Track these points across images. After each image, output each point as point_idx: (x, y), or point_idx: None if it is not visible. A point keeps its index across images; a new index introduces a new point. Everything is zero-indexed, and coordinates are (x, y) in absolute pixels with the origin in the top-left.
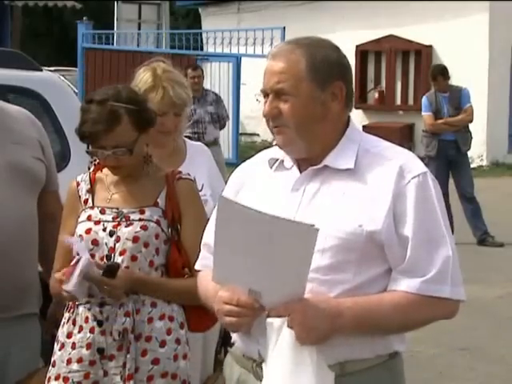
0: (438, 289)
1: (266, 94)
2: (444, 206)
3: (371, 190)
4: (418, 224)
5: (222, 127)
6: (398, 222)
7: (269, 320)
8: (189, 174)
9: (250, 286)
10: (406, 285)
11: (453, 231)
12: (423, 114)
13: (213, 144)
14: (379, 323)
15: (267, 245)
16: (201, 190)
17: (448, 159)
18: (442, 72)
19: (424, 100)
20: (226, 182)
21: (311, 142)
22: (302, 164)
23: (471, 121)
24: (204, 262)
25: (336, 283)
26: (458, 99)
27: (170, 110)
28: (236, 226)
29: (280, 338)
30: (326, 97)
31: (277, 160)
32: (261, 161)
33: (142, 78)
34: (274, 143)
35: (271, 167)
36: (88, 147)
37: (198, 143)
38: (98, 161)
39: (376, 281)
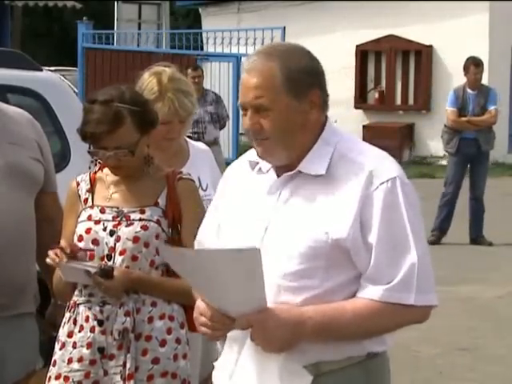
0: (402, 296)
1: (244, 108)
2: (416, 211)
3: (340, 196)
4: (382, 231)
5: (222, 127)
6: (363, 229)
7: (229, 333)
8: (189, 174)
9: (217, 305)
10: (369, 292)
11: (447, 231)
12: (447, 108)
13: (213, 144)
14: (342, 331)
15: (217, 275)
16: (205, 190)
17: (468, 158)
18: (474, 61)
19: (451, 94)
20: None
21: (291, 150)
22: (279, 169)
23: (495, 123)
24: None
25: (303, 289)
26: (486, 99)
27: (175, 118)
28: (186, 266)
29: (244, 349)
30: (305, 106)
31: (257, 163)
32: (244, 161)
33: (147, 85)
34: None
35: (253, 169)
36: (89, 147)
37: (199, 143)
38: (99, 161)
39: (345, 287)
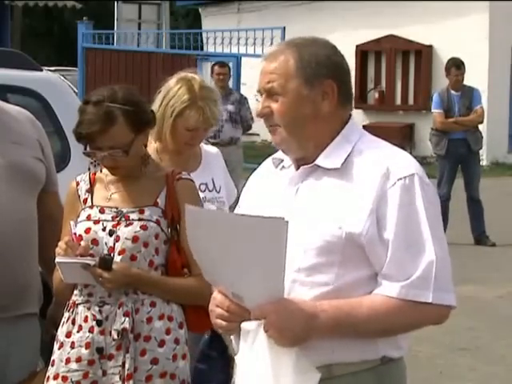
0: (419, 293)
1: (261, 94)
2: (435, 209)
3: (355, 191)
4: (399, 228)
5: (245, 129)
6: (380, 225)
7: (242, 324)
8: (189, 175)
9: (232, 289)
10: (386, 289)
11: (444, 231)
12: (433, 111)
13: (228, 144)
14: (357, 326)
15: (239, 246)
16: (219, 192)
17: (458, 158)
18: (455, 63)
19: (435, 97)
20: (240, 181)
21: (302, 140)
22: (299, 163)
23: (481, 122)
24: None
25: (318, 284)
26: (470, 99)
27: (202, 126)
28: (206, 231)
29: (256, 340)
30: (316, 96)
31: (281, 160)
32: (268, 162)
33: (177, 92)
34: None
35: (276, 167)
36: (85, 148)
37: (210, 146)
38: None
39: (359, 285)
